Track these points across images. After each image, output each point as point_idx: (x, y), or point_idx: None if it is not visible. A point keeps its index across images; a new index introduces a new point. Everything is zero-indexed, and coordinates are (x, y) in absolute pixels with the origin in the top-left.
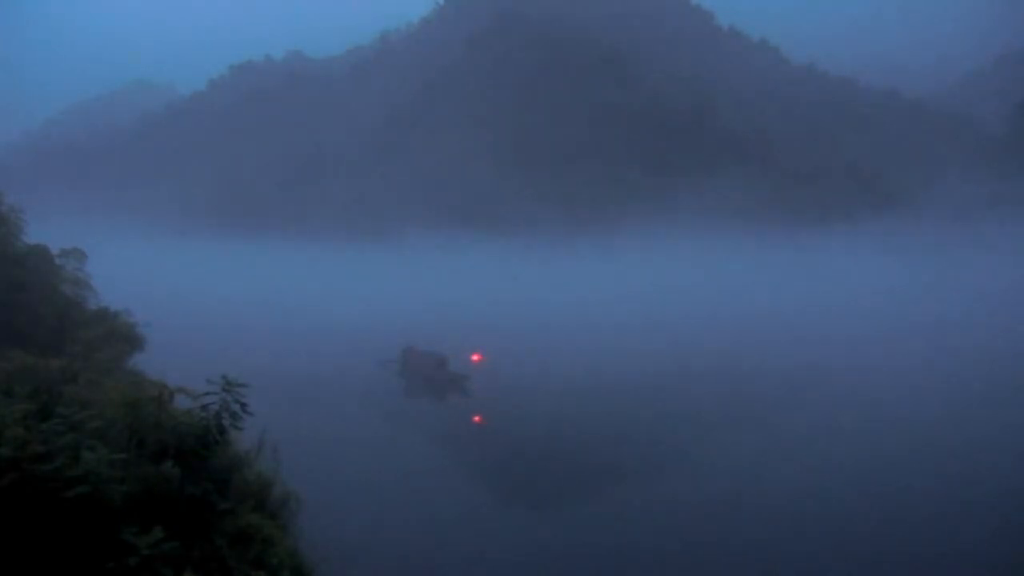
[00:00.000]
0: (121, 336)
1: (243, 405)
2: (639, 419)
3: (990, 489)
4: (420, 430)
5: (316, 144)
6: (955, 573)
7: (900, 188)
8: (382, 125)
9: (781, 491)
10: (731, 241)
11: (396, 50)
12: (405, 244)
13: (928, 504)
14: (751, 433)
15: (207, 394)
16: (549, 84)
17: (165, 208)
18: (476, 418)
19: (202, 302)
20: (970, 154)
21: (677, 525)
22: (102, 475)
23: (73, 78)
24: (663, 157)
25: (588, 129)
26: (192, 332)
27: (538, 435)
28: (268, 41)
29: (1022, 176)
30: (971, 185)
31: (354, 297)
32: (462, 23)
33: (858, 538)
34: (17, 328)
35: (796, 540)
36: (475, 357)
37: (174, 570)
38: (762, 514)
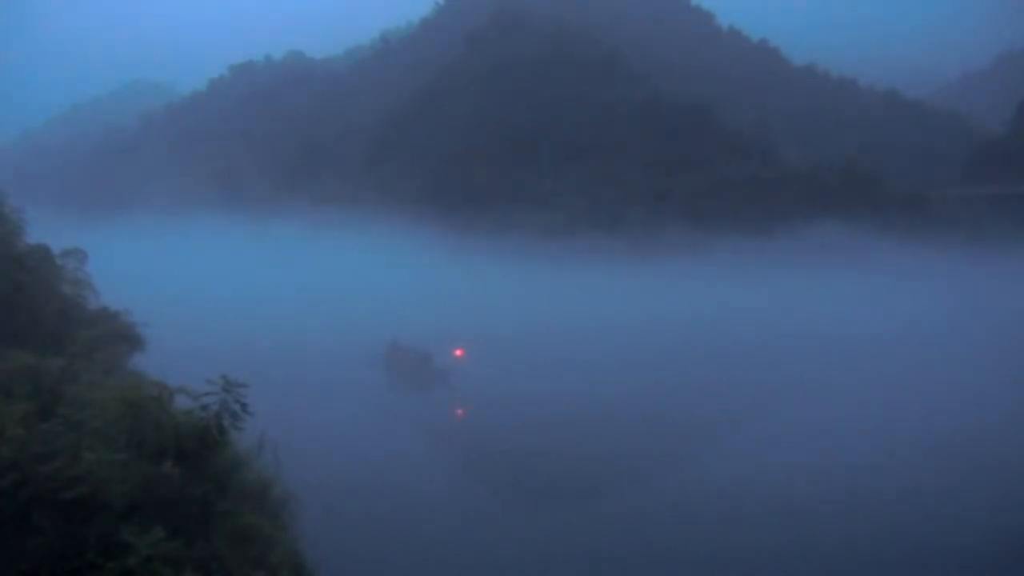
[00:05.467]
0: (121, 336)
1: (243, 405)
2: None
3: None
4: (405, 423)
5: (316, 144)
6: None
7: (900, 188)
8: (382, 125)
9: None
10: (730, 241)
11: (396, 50)
12: (404, 243)
13: None
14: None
15: (207, 394)
16: (549, 84)
17: (165, 208)
18: (459, 411)
19: (201, 301)
20: (970, 154)
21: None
22: (102, 475)
23: (73, 79)
24: (663, 157)
25: (588, 129)
26: (191, 332)
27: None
28: (268, 41)
29: (1022, 176)
30: (971, 185)
31: (352, 295)
32: (462, 23)
33: None
34: (17, 328)
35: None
36: (458, 352)
37: (174, 570)
38: None
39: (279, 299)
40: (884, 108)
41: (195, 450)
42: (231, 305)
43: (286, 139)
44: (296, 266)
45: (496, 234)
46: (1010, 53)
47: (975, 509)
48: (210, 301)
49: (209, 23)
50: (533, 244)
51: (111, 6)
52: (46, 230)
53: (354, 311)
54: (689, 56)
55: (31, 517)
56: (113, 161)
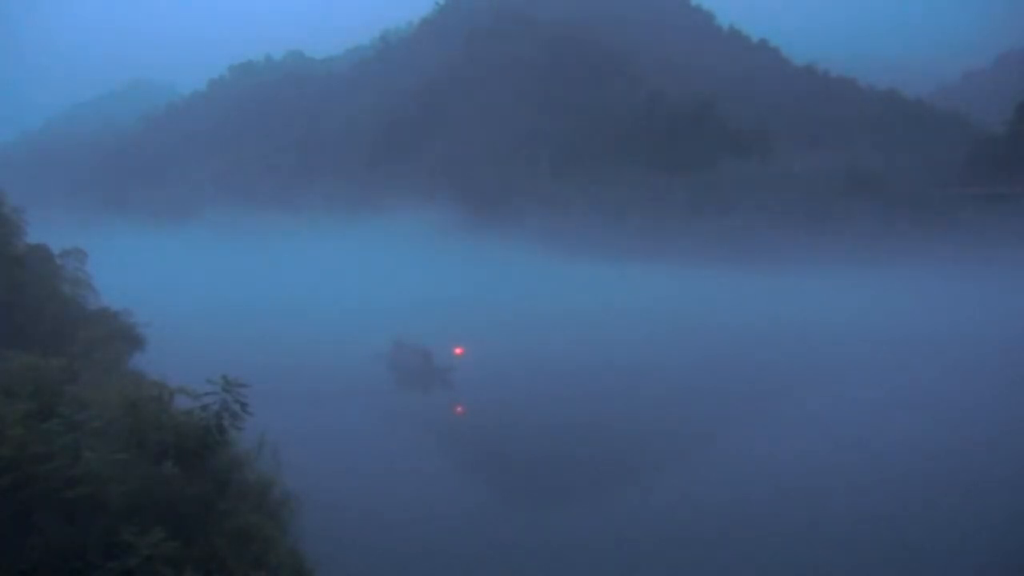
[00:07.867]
0: (121, 336)
1: (243, 405)
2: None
3: None
4: (408, 422)
5: (316, 144)
6: None
7: (900, 188)
8: (382, 125)
9: None
10: (730, 240)
11: (396, 50)
12: (404, 242)
13: None
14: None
15: (207, 394)
16: (549, 84)
17: (165, 208)
18: (458, 408)
19: (202, 301)
20: (970, 154)
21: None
22: (102, 475)
23: (73, 78)
24: (663, 157)
25: (588, 128)
26: (192, 331)
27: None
28: (268, 41)
29: (1022, 176)
30: (971, 185)
31: (353, 294)
32: (463, 23)
33: None
34: (17, 328)
35: None
36: (457, 351)
37: (174, 570)
38: None
39: (279, 298)
40: (884, 108)
41: (195, 450)
42: (231, 304)
43: (286, 139)
44: (296, 265)
45: (497, 233)
46: (1010, 53)
47: (979, 511)
48: (210, 300)
49: (209, 23)
50: (533, 243)
51: (111, 6)
52: (46, 230)
53: (356, 310)
54: (689, 56)
55: (31, 517)
56: (113, 161)
